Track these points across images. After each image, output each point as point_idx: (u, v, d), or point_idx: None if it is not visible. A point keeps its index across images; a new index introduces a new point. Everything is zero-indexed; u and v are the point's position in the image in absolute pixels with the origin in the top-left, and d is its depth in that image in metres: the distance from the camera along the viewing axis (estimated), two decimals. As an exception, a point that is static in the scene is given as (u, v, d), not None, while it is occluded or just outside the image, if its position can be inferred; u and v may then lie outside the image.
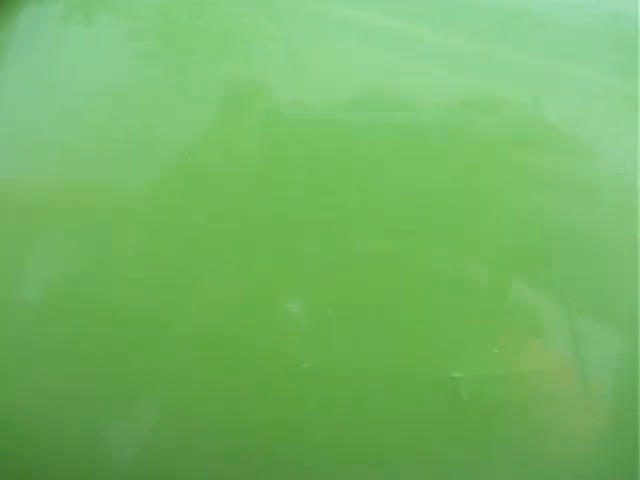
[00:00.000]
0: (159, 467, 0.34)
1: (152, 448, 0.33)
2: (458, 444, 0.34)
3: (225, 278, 0.34)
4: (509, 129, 0.35)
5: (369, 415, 0.34)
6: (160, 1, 0.36)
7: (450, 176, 0.35)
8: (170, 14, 0.35)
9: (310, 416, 0.33)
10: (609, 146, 0.36)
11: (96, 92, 0.35)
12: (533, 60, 0.36)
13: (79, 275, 0.34)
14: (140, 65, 0.35)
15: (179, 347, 0.33)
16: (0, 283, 0.33)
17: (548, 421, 0.35)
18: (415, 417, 0.34)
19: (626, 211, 0.35)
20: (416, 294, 0.34)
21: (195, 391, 0.33)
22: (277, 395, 0.33)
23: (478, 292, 0.35)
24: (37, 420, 0.33)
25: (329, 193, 0.34)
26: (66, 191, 0.34)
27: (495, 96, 0.36)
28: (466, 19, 0.36)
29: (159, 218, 0.34)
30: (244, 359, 0.33)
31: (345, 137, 0.34)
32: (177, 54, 0.34)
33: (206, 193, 0.34)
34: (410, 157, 0.34)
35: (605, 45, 0.36)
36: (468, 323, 0.35)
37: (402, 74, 0.35)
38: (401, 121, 0.35)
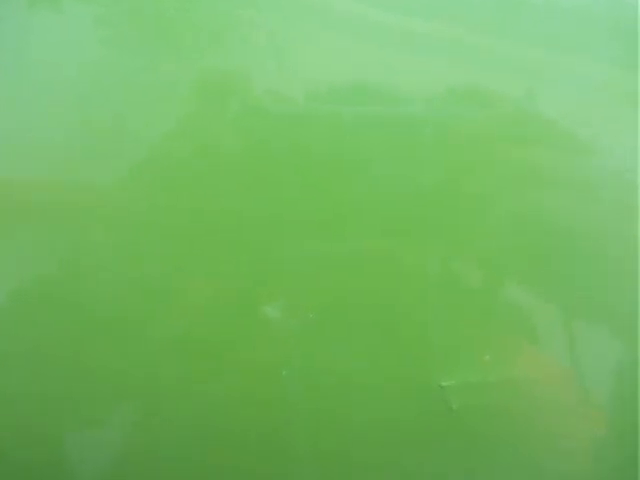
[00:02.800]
0: (130, 476, 0.32)
1: (124, 456, 0.31)
2: (447, 455, 0.33)
3: (201, 280, 0.32)
4: (504, 124, 0.33)
5: (352, 426, 0.32)
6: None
7: (442, 173, 0.33)
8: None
9: (290, 426, 0.31)
10: (609, 142, 0.34)
11: (65, 83, 0.33)
12: (529, 52, 0.34)
13: (49, 276, 0.32)
14: (111, 54, 0.33)
15: (153, 351, 0.31)
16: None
17: (543, 430, 0.33)
18: (401, 428, 0.32)
19: (626, 209, 0.33)
20: (404, 296, 0.33)
21: (169, 398, 0.31)
22: (255, 404, 0.31)
23: (469, 294, 0.33)
24: (2, 425, 0.31)
25: (313, 191, 0.32)
26: (33, 189, 0.33)
27: (489, 89, 0.34)
28: (459, 9, 0.34)
29: (132, 217, 0.32)
30: (221, 365, 0.31)
31: (331, 132, 0.32)
32: (150, 42, 0.33)
33: (182, 191, 0.32)
34: (401, 153, 0.33)
35: (604, 35, 0.35)
36: (458, 327, 0.33)
37: (391, 66, 0.33)
38: (391, 115, 0.33)
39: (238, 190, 0.32)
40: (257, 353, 0.32)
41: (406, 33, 0.34)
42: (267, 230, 0.32)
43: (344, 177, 0.32)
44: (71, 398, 0.32)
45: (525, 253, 0.33)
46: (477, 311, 0.33)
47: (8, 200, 0.32)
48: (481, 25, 0.34)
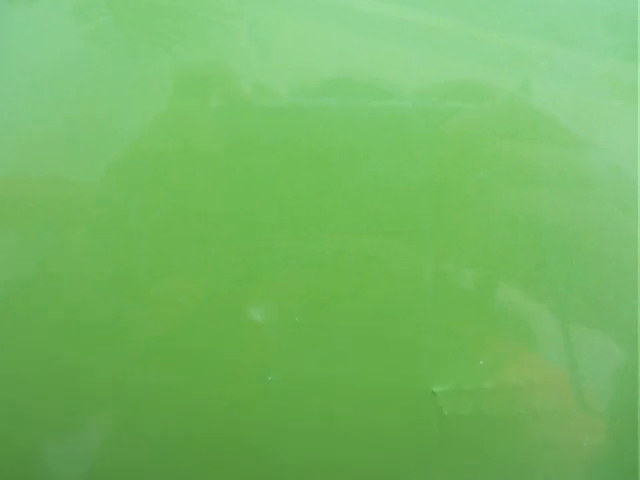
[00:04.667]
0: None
1: (106, 462, 0.30)
2: (438, 462, 0.31)
3: (183, 281, 0.31)
4: (498, 118, 0.32)
5: (340, 431, 0.31)
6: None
7: (433, 169, 0.31)
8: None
9: (277, 432, 0.30)
10: (607, 138, 0.33)
11: (43, 77, 0.32)
12: (523, 43, 0.33)
13: (29, 275, 0.31)
14: (90, 46, 0.31)
15: (134, 357, 0.30)
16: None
17: (538, 438, 0.32)
18: (390, 435, 0.31)
19: (625, 208, 0.32)
20: (394, 299, 0.31)
21: (150, 405, 0.30)
22: (240, 409, 0.30)
23: (462, 297, 0.32)
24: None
25: (299, 189, 0.31)
26: (11, 186, 0.31)
27: (482, 82, 0.32)
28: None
29: (114, 215, 0.31)
30: (205, 369, 0.30)
31: (318, 127, 0.31)
32: (129, 34, 0.31)
33: (164, 189, 0.31)
34: (390, 149, 0.31)
35: (603, 26, 0.33)
36: (451, 331, 0.32)
37: (379, 57, 0.32)
38: (380, 109, 0.32)
39: (222, 188, 0.31)
40: (242, 357, 0.30)
41: (397, 24, 0.32)
42: (252, 229, 0.31)
43: (331, 174, 0.31)
44: (51, 403, 0.31)
45: (520, 253, 0.32)
46: (471, 314, 0.32)
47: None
48: (475, 16, 0.33)
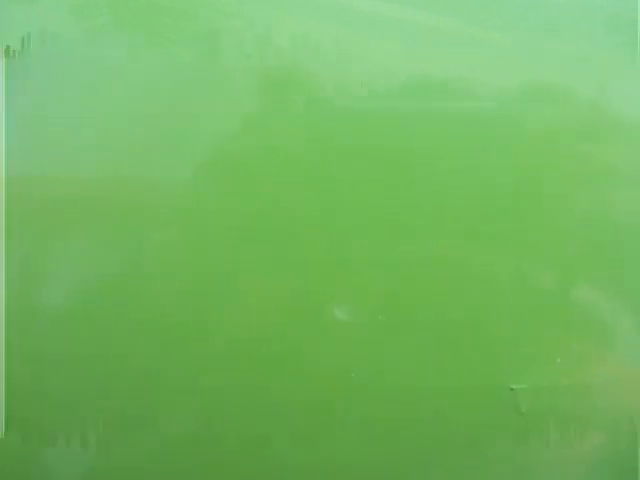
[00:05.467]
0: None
1: (186, 457, 0.31)
2: (515, 458, 0.32)
3: (268, 282, 0.31)
4: (579, 121, 0.32)
5: (421, 428, 0.32)
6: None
7: (511, 172, 0.32)
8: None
9: (359, 430, 0.31)
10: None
11: (125, 78, 0.32)
12: (599, 47, 0.33)
13: (100, 277, 0.31)
14: (171, 47, 0.32)
15: (218, 354, 0.31)
16: (15, 286, 0.31)
17: (613, 437, 0.32)
18: (469, 431, 0.32)
19: None
20: (473, 299, 0.32)
21: (234, 402, 0.31)
22: (323, 407, 0.31)
23: (541, 296, 0.32)
24: (52, 431, 0.31)
25: (382, 191, 0.31)
26: (96, 187, 0.32)
27: (559, 85, 0.33)
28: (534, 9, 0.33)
29: (196, 216, 0.31)
30: (288, 368, 0.31)
31: (400, 130, 0.31)
32: (210, 36, 0.32)
33: (248, 190, 0.31)
34: (471, 152, 0.32)
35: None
36: (529, 330, 0.32)
37: (457, 60, 0.32)
38: (454, 111, 0.32)
39: (305, 190, 0.31)
40: (325, 355, 0.31)
41: (476, 28, 0.32)
42: (334, 230, 0.31)
43: (412, 175, 0.32)
44: (122, 402, 0.31)
45: (600, 254, 0.32)
46: (549, 313, 0.32)
47: (72, 199, 0.32)
48: (552, 23, 0.33)
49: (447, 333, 0.31)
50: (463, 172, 0.32)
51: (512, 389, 0.32)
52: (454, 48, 0.32)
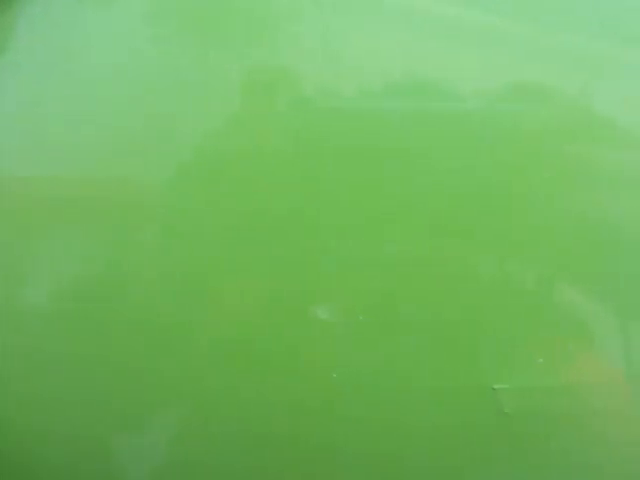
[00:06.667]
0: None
1: (169, 464, 0.31)
2: (499, 461, 0.32)
3: (249, 281, 0.31)
4: (563, 121, 0.32)
5: (403, 429, 0.32)
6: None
7: (494, 171, 0.32)
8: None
9: (341, 430, 0.31)
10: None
11: (113, 79, 0.32)
12: (587, 44, 0.33)
13: (93, 277, 0.32)
14: (160, 50, 0.32)
15: (199, 356, 0.31)
16: (9, 286, 0.31)
17: (598, 438, 0.32)
18: (452, 431, 0.32)
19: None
20: (455, 298, 0.32)
21: (216, 402, 0.31)
22: (304, 408, 0.31)
23: (523, 296, 0.32)
24: (46, 432, 0.31)
25: (364, 191, 0.31)
26: (80, 186, 0.32)
27: (545, 84, 0.33)
28: (520, 2, 0.33)
29: (179, 216, 0.32)
30: (268, 369, 0.31)
31: (383, 130, 0.31)
32: (198, 37, 0.32)
33: (230, 190, 0.32)
34: (452, 151, 0.32)
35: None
36: (511, 330, 0.32)
37: (444, 60, 0.32)
38: (443, 111, 0.32)
39: (287, 190, 0.31)
40: (307, 355, 0.31)
41: (461, 26, 0.32)
42: (318, 229, 0.31)
43: (395, 175, 0.32)
44: (115, 403, 0.32)
45: (582, 254, 0.32)
46: (531, 313, 0.32)
47: (52, 197, 0.32)
48: (540, 17, 0.33)
49: (429, 333, 0.32)
50: (447, 172, 0.32)
51: (494, 389, 0.32)
52: (451, 45, 0.32)
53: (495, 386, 0.32)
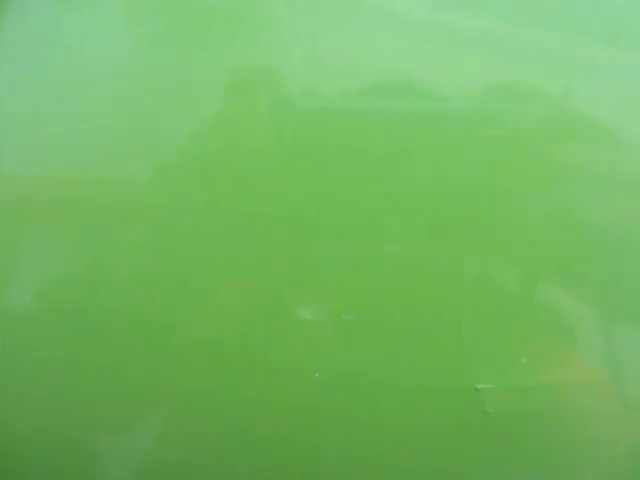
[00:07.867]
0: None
1: (153, 464, 0.31)
2: (482, 461, 0.32)
3: (233, 280, 0.31)
4: (544, 121, 0.32)
5: (385, 430, 0.32)
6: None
7: (476, 171, 0.32)
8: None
9: (324, 431, 0.31)
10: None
11: (97, 79, 0.32)
12: (568, 44, 0.33)
13: (77, 276, 0.32)
14: (143, 50, 0.32)
15: (184, 355, 0.31)
16: (3, 285, 0.31)
17: (580, 437, 0.32)
18: (435, 432, 0.32)
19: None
20: (438, 298, 0.32)
21: (200, 403, 0.31)
22: (287, 408, 0.31)
23: (505, 296, 0.32)
24: (28, 434, 0.31)
25: (348, 191, 0.31)
26: (65, 186, 0.32)
27: (526, 84, 0.33)
28: (498, 1, 0.33)
29: (161, 215, 0.32)
30: (251, 368, 0.31)
31: (363, 129, 0.31)
32: (182, 38, 0.32)
33: (213, 190, 0.32)
34: (434, 151, 0.32)
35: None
36: (494, 329, 0.32)
37: (425, 60, 0.32)
38: (424, 111, 0.32)
39: (270, 189, 0.31)
40: (289, 355, 0.31)
41: (448, 27, 0.32)
42: (300, 229, 0.31)
43: (378, 176, 0.32)
44: (98, 403, 0.32)
45: (564, 254, 0.32)
46: (513, 313, 0.32)
47: (45, 199, 0.32)
48: (519, 17, 0.33)
49: (412, 334, 0.32)
50: (429, 173, 0.32)
51: (478, 389, 0.32)
52: (435, 45, 0.32)
53: (479, 386, 0.32)
